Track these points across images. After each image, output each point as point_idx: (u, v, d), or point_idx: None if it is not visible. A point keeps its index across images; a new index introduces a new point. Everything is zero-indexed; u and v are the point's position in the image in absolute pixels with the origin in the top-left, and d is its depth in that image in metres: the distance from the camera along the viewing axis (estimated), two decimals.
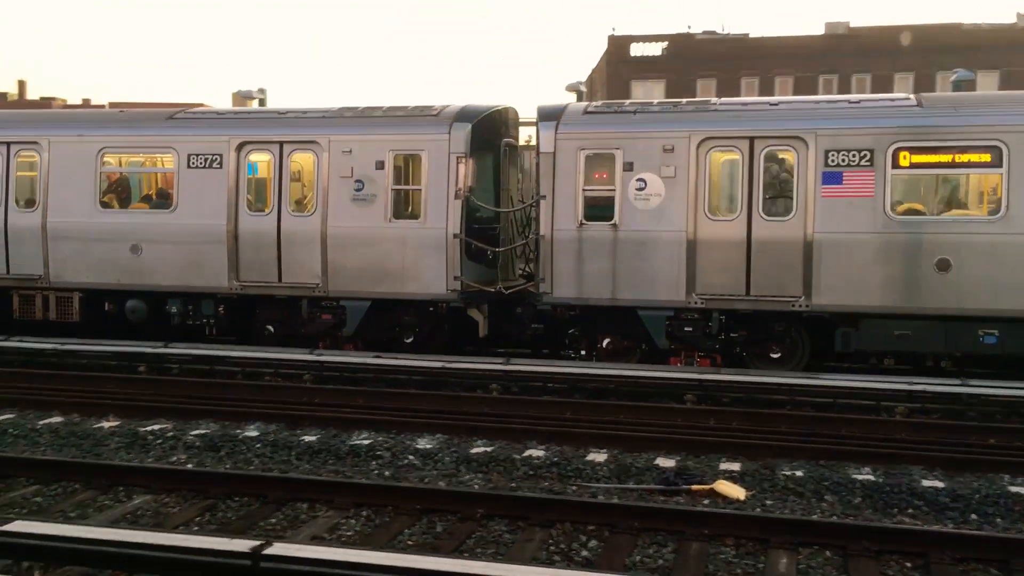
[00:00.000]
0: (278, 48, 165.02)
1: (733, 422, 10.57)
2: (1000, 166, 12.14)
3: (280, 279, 14.59)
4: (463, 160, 13.88)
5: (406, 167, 14.34)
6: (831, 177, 12.57)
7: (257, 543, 5.62)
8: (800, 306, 12.75)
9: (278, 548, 5.57)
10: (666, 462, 9.08)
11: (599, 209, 13.34)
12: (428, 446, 9.61)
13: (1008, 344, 12.32)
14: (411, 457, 9.26)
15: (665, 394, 11.91)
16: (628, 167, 13.24)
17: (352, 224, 14.21)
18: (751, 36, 45.33)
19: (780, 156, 12.92)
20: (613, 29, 67.45)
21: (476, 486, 8.34)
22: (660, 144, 13.17)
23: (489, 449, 9.49)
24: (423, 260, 13.95)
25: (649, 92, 42.50)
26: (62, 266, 15.43)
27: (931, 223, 12.44)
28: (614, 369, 12.52)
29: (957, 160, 12.37)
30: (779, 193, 12.89)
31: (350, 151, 14.28)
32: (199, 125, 15.26)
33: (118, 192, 15.66)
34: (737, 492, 8.08)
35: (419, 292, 14.02)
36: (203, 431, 10.22)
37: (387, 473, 8.78)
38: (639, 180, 13.20)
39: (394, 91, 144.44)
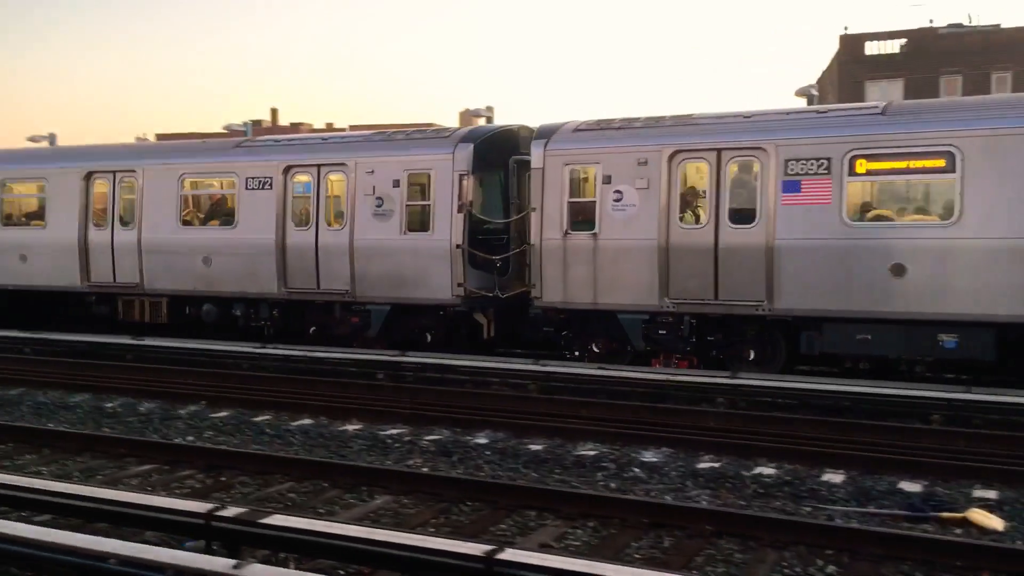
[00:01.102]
0: (505, 65, 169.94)
1: (987, 446, 9.74)
2: (953, 171, 12.11)
3: (319, 286, 16.22)
4: (465, 177, 15.12)
5: (419, 185, 15.61)
6: (790, 186, 12.92)
7: (490, 548, 5.73)
8: (763, 310, 13.11)
9: (510, 554, 5.64)
10: (911, 486, 8.49)
11: (582, 220, 14.21)
12: (654, 459, 9.49)
13: (967, 348, 12.16)
14: (636, 470, 9.17)
15: (907, 413, 11.14)
16: (607, 180, 14.03)
17: (374, 237, 15.73)
18: (1003, 27, 41.93)
19: (745, 166, 13.34)
20: (845, 28, 64.31)
21: (704, 502, 8.14)
22: (635, 158, 13.91)
23: (716, 465, 9.24)
24: (432, 268, 15.28)
25: (885, 93, 40.24)
26: (153, 276, 17.74)
27: (886, 228, 12.51)
28: (848, 385, 11.88)
29: (912, 166, 12.42)
30: (745, 202, 13.26)
31: (372, 171, 15.76)
32: (256, 152, 17.16)
33: (195, 211, 17.89)
34: (994, 522, 7.42)
35: (429, 297, 15.39)
36: (436, 436, 10.58)
37: (612, 485, 8.73)
38: (616, 192, 13.96)
39: (643, 97, 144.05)
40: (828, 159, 12.73)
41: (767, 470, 9.03)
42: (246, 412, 12.03)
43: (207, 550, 6.30)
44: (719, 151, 13.45)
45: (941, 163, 12.22)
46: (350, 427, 11.16)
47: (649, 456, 9.59)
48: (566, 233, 14.29)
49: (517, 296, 15.14)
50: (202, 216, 17.86)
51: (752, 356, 13.56)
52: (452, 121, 59.08)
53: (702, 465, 9.23)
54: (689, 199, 13.81)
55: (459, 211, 15.08)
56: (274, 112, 72.00)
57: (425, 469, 9.29)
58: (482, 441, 10.33)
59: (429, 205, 15.48)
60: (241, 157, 17.21)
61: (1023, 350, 12.20)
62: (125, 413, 12.21)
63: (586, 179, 14.31)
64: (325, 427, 11.22)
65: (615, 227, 13.96)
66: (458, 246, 15.08)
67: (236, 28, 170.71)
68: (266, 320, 17.07)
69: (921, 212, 12.90)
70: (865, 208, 12.90)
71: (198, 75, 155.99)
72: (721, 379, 12.41)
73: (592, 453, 9.72)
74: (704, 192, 13.57)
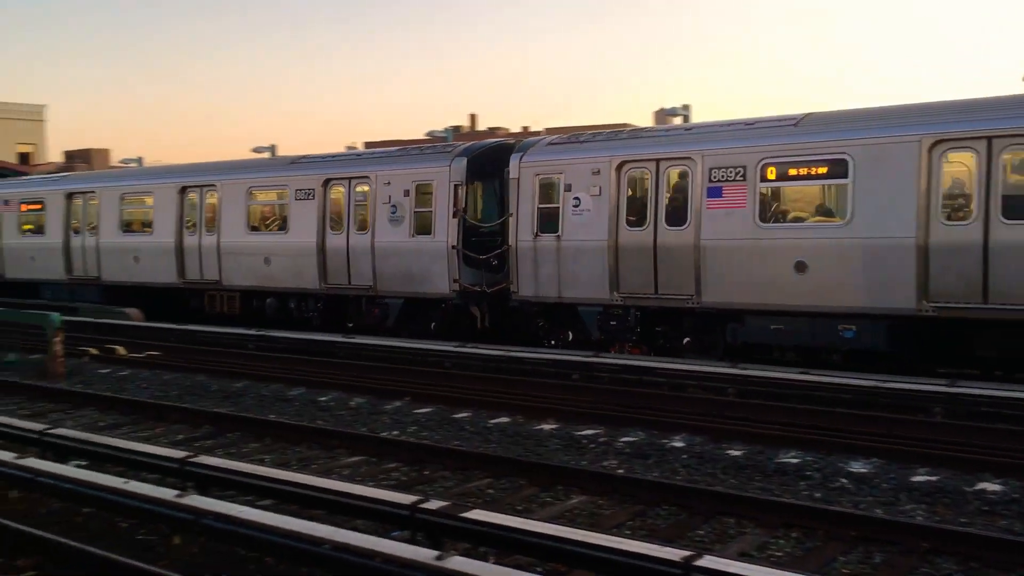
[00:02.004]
0: (702, 62, 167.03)
1: None
2: (847, 177, 13.48)
3: (350, 283, 19.02)
4: (460, 186, 17.52)
5: (425, 194, 18.05)
6: (714, 191, 14.57)
7: (688, 553, 5.62)
8: (693, 303, 14.85)
9: (709, 561, 5.51)
10: None
11: (548, 224, 16.28)
12: (862, 470, 9.01)
13: (864, 339, 13.48)
14: (843, 480, 8.74)
15: None
16: (567, 188, 16.08)
17: (389, 239, 18.38)
18: None
19: (679, 174, 15.11)
20: None
21: (919, 517, 7.65)
22: (590, 168, 15.86)
23: (933, 479, 8.66)
24: (433, 266, 17.79)
25: None
26: (229, 274, 21.10)
27: (790, 229, 14.07)
28: None
29: (813, 172, 13.91)
30: (679, 206, 14.99)
31: (388, 183, 18.43)
32: (304, 167, 20.14)
33: (260, 219, 21.04)
34: None
35: (431, 292, 17.92)
36: (632, 438, 10.50)
37: (817, 495, 8.36)
38: (575, 198, 15.98)
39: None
40: (744, 167, 14.45)
41: (992, 486, 8.38)
42: (447, 409, 12.39)
43: (411, 540, 6.53)
44: (657, 161, 15.38)
45: (833, 169, 13.72)
46: (546, 426, 11.26)
47: (857, 467, 9.12)
48: (536, 235, 16.42)
49: (501, 290, 17.20)
50: (265, 223, 20.95)
51: (687, 343, 15.38)
52: (646, 121, 58.51)
53: (917, 478, 8.68)
54: (635, 204, 15.57)
55: (454, 216, 17.53)
56: (473, 118, 73.80)
57: (621, 471, 9.24)
58: (679, 444, 10.17)
59: (431, 211, 17.88)
60: (292, 171, 20.30)
61: (914, 340, 13.45)
62: (337, 407, 12.87)
63: (552, 187, 16.35)
64: (522, 426, 11.38)
65: (574, 230, 15.98)
66: (453, 247, 17.52)
67: (441, 36, 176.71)
68: (313, 312, 19.95)
69: (821, 214, 14.26)
70: (774, 211, 14.39)
71: (406, 82, 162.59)
72: (937, 387, 11.64)
73: (795, 461, 9.35)
74: (647, 198, 15.41)
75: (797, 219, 14.27)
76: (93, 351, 17.75)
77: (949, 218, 12.91)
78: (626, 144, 15.90)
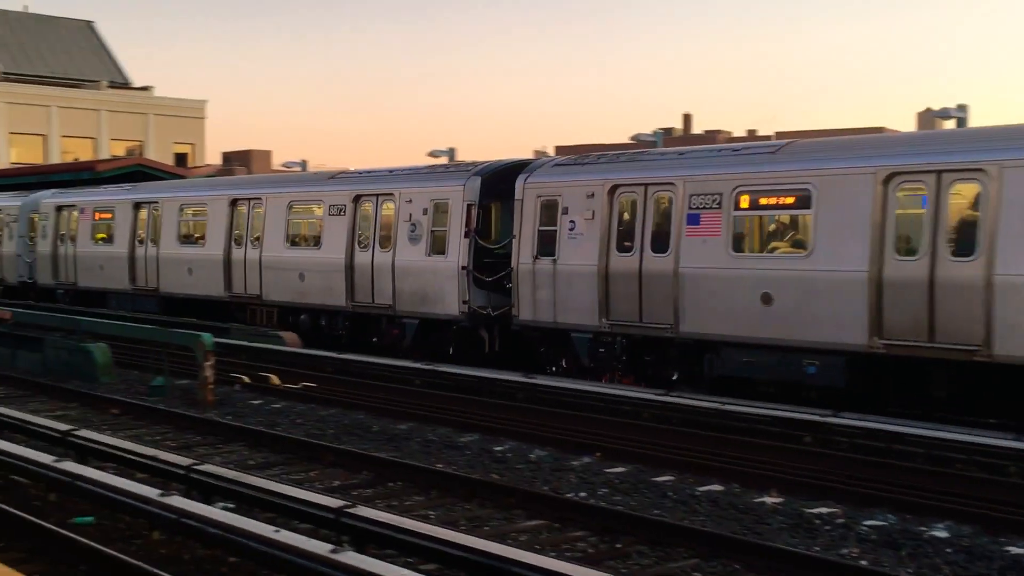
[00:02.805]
0: (978, 60, 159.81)
1: None
2: (809, 207, 15.18)
3: (373, 301, 21.39)
4: (473, 206, 19.65)
5: (442, 213, 20.24)
6: (693, 218, 16.34)
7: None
8: (671, 333, 16.56)
9: None
10: None
11: (547, 247, 18.29)
12: None
13: (824, 375, 14.98)
14: None
15: None
16: (565, 211, 18.07)
17: (408, 258, 20.69)
18: None
19: (663, 199, 16.95)
20: None
21: None
22: (584, 191, 17.80)
23: None
24: (445, 287, 19.94)
25: None
26: (269, 288, 23.78)
27: (757, 259, 15.84)
28: None
29: (780, 202, 15.73)
30: (663, 232, 16.81)
31: (410, 201, 20.70)
32: (338, 183, 22.83)
33: (298, 233, 23.82)
34: None
35: (442, 313, 20.03)
36: (878, 522, 10.02)
37: None
38: (571, 222, 17.88)
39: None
40: (720, 195, 16.16)
41: None
42: (645, 469, 12.25)
43: None
44: (645, 185, 17.18)
45: (799, 200, 15.51)
46: (768, 499, 10.91)
47: None
48: (535, 258, 18.45)
49: (506, 314, 19.27)
50: (303, 238, 23.77)
51: (676, 376, 16.90)
52: (909, 125, 56.38)
53: None
54: (624, 229, 17.39)
55: (465, 236, 19.67)
56: (687, 119, 73.47)
57: (864, 562, 8.80)
58: (941, 535, 9.60)
59: (446, 231, 20.13)
60: (328, 187, 22.98)
61: (872, 378, 14.95)
62: (515, 459, 12.95)
63: (553, 210, 18.30)
64: (737, 496, 11.08)
65: (569, 253, 17.98)
66: (464, 267, 19.67)
67: (651, 28, 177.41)
68: (341, 330, 22.35)
69: (786, 244, 16.00)
70: (744, 240, 16.19)
71: (610, 81, 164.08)
72: None
73: None
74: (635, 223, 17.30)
75: (762, 249, 16.16)
76: (245, 379, 18.68)
77: (900, 253, 14.44)
78: (620, 168, 17.98)
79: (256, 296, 24.29)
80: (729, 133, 67.56)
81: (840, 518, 10.18)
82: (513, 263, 18.82)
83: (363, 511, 8.84)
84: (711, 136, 64.32)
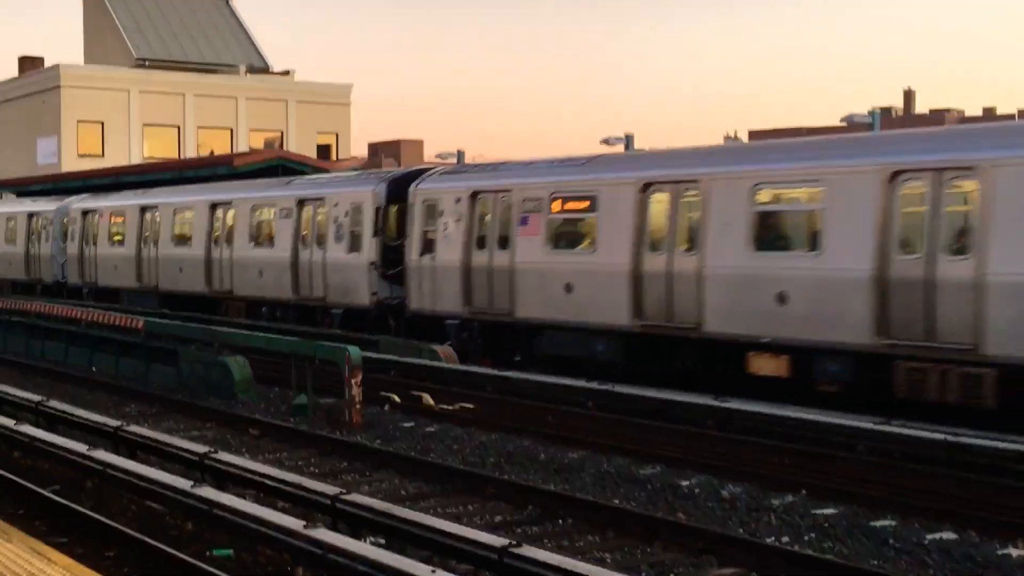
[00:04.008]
0: None
1: None
2: (595, 211, 20.98)
3: (311, 293, 27.95)
4: (380, 209, 25.96)
5: (360, 215, 26.35)
6: (523, 220, 22.04)
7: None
8: (509, 318, 22.33)
9: None
10: None
11: (429, 245, 24.00)
12: None
13: (609, 351, 20.64)
14: None
15: None
16: (440, 214, 23.79)
17: (335, 256, 26.93)
18: None
19: (504, 203, 22.68)
20: None
21: None
22: (454, 197, 23.57)
23: None
24: (360, 280, 26.20)
25: None
26: (238, 284, 30.46)
27: (564, 255, 21.44)
28: None
29: (580, 207, 21.53)
30: (505, 232, 22.50)
31: (336, 204, 27.04)
32: (287, 189, 29.76)
33: (259, 234, 30.21)
34: None
35: (358, 303, 26.40)
36: None
37: None
38: (444, 223, 23.63)
39: None
40: (540, 199, 21.74)
41: None
42: (861, 511, 11.96)
43: None
44: (497, 192, 22.87)
45: (591, 204, 20.99)
46: (1015, 551, 10.51)
47: None
48: (420, 255, 24.23)
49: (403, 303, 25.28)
50: (263, 238, 29.87)
51: (518, 358, 22.51)
52: None
53: None
54: (481, 230, 23.13)
55: (374, 235, 25.92)
56: (908, 96, 71.45)
57: None
58: None
59: (361, 231, 26.19)
60: (279, 191, 29.90)
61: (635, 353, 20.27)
62: (704, 496, 12.82)
63: (433, 213, 24.05)
64: (975, 546, 10.71)
65: (443, 251, 23.68)
66: (372, 263, 25.86)
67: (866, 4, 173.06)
68: (290, 320, 28.29)
69: (583, 244, 21.28)
70: (557, 239, 21.65)
71: (810, 62, 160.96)
72: None
73: None
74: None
75: (569, 246, 21.64)
76: (395, 398, 19.07)
77: (653, 248, 19.88)
78: (482, 176, 24.02)
79: (229, 291, 30.87)
80: (961, 112, 65.31)
81: None
82: (406, 259, 24.74)
83: (529, 551, 8.89)
84: (937, 116, 62.28)
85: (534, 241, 21.70)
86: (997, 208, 15.65)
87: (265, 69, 73.26)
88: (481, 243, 23.04)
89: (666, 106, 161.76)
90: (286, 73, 73.39)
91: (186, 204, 33.58)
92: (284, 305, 28.94)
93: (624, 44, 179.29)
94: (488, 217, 22.98)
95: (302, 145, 63.94)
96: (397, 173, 27.00)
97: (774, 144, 22.60)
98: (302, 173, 36.01)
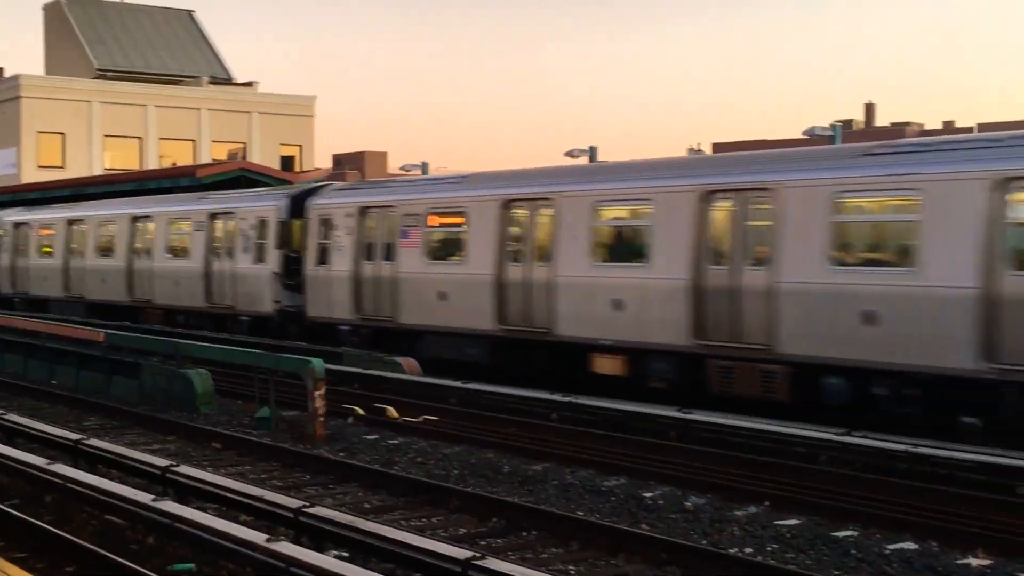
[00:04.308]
0: None
1: None
2: (467, 226, 23.12)
3: (223, 302, 30.07)
4: (283, 223, 28.00)
5: (264, 227, 28.64)
6: (404, 233, 24.30)
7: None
8: (393, 324, 24.53)
9: None
10: None
11: (324, 256, 26.08)
12: None
13: (479, 354, 22.74)
14: None
15: None
16: (334, 227, 25.98)
17: (242, 266, 29.08)
18: None
19: (389, 218, 24.94)
20: None
21: None
22: (345, 211, 25.76)
23: None
24: (264, 289, 28.35)
25: None
26: (157, 293, 32.66)
27: (438, 265, 23.69)
28: None
29: (451, 221, 23.83)
30: (390, 243, 24.73)
31: (244, 218, 29.19)
32: (199, 203, 31.93)
33: (175, 246, 32.51)
34: None
35: (263, 311, 28.45)
36: None
37: None
38: (336, 235, 25.75)
39: None
40: (419, 214, 24.04)
41: None
42: (823, 522, 12.03)
43: None
44: (382, 207, 25.13)
45: (462, 220, 23.21)
46: (973, 561, 10.59)
47: None
48: (316, 265, 26.32)
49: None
50: (179, 249, 32.15)
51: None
52: None
53: None
54: (369, 242, 25.34)
55: (277, 247, 27.97)
56: (869, 109, 72.13)
57: None
58: None
59: (266, 243, 28.32)
60: (192, 205, 32.13)
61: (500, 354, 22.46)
62: (668, 507, 12.86)
63: (328, 226, 26.14)
64: (936, 556, 10.79)
65: (336, 262, 25.81)
66: (275, 273, 27.95)
67: (828, 18, 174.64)
68: (203, 326, 29.90)
69: (455, 256, 23.51)
70: (435, 250, 23.98)
71: (772, 75, 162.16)
72: None
73: None
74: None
75: (444, 257, 23.73)
76: (359, 411, 19.02)
77: (512, 260, 22.16)
78: (369, 192, 26.63)
79: (148, 300, 32.85)
80: (921, 126, 65.96)
81: None
82: (304, 270, 26.78)
83: (493, 564, 8.89)
84: (898, 129, 62.84)
85: (414, 253, 23.86)
86: (786, 224, 17.64)
87: (228, 80, 73.11)
88: (369, 254, 25.12)
89: (631, 117, 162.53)
90: (249, 84, 73.24)
91: (109, 218, 35.52)
92: (198, 313, 30.88)
93: (591, 55, 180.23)
94: (375, 230, 25.12)
95: (265, 157, 63.78)
96: (299, 189, 29.09)
97: (612, 166, 24.52)
98: (266, 184, 36.10)
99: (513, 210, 22.09)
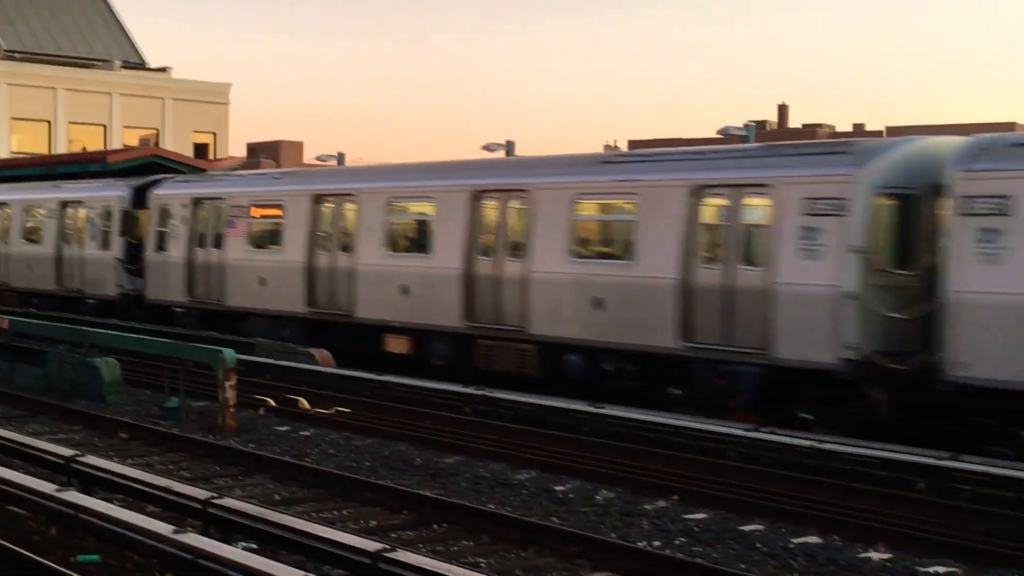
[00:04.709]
0: None
1: None
2: (284, 217, 25.64)
3: (73, 286, 32.04)
4: (127, 212, 29.78)
5: (109, 215, 30.64)
6: (231, 223, 26.46)
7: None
8: (219, 306, 26.58)
9: None
10: None
11: (161, 244, 28.30)
12: None
13: (292, 334, 24.80)
14: None
15: None
16: (172, 217, 28.09)
17: (91, 252, 31.04)
18: None
19: (218, 209, 27.12)
20: None
21: None
22: (181, 202, 28.00)
23: None
24: (108, 274, 30.32)
25: None
26: (12, 277, 34.62)
27: (257, 253, 25.98)
28: None
29: (270, 213, 26.21)
30: (219, 232, 26.93)
31: (93, 207, 31.23)
32: (60, 191, 33.53)
33: (30, 232, 34.74)
34: None
35: (108, 295, 30.37)
36: None
37: None
38: (173, 224, 27.91)
39: None
40: (244, 206, 26.24)
41: None
42: (731, 517, 12.20)
43: None
44: (214, 199, 27.37)
45: (280, 212, 25.84)
46: (874, 555, 10.83)
47: None
48: (155, 252, 28.37)
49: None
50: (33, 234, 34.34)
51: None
52: None
53: None
54: (200, 230, 27.39)
55: (120, 235, 29.76)
56: (782, 110, 73.10)
57: None
58: None
59: (110, 230, 30.28)
60: (48, 193, 33.89)
61: (311, 332, 24.56)
62: (578, 501, 12.96)
63: (166, 216, 28.25)
64: (838, 550, 11.01)
65: (172, 249, 27.91)
66: (118, 259, 29.83)
67: (745, 20, 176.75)
68: (48, 307, 31.49)
69: (274, 245, 25.86)
70: (256, 240, 26.19)
71: (691, 74, 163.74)
72: None
73: None
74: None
75: (264, 246, 25.98)
76: (270, 402, 18.87)
77: (322, 248, 24.53)
78: (203, 184, 29.05)
79: (5, 283, 34.48)
80: (832, 128, 67.02)
81: None
82: (144, 256, 28.62)
83: (404, 556, 8.89)
84: (810, 131, 63.82)
85: (239, 242, 26.16)
86: (537, 221, 20.21)
87: (141, 65, 71.85)
88: (201, 242, 27.21)
89: (552, 113, 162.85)
90: (163, 70, 72.06)
91: (36, 202, 35.77)
92: (50, 296, 32.53)
93: (510, 49, 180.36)
94: (206, 220, 27.27)
95: (178, 143, 62.80)
96: (143, 180, 30.80)
97: (405, 167, 27.09)
98: (178, 172, 35.53)
99: (323, 204, 24.37)
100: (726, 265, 17.64)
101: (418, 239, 23.03)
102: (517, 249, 20.74)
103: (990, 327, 14.81)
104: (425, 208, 22.82)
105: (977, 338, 14.92)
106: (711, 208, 18.17)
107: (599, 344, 19.17)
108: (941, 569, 10.35)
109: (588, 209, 20.33)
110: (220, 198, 27.03)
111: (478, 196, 21.48)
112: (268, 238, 26.13)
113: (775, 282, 16.89)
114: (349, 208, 23.92)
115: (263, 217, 26.42)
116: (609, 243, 20.39)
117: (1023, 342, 14.60)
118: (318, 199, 24.43)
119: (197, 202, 27.45)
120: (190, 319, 27.38)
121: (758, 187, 17.59)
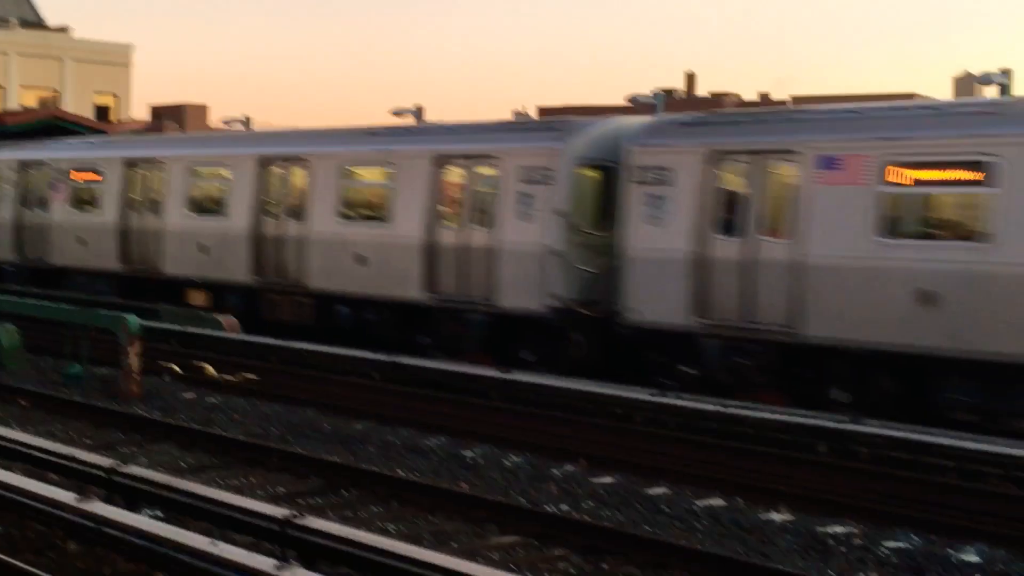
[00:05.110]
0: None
1: None
2: (102, 182, 28.11)
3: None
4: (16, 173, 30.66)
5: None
6: (54, 186, 28.64)
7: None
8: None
9: None
10: None
11: (89, 204, 28.53)
12: None
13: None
14: None
15: None
16: (3, 179, 30.22)
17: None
18: None
19: (44, 173, 29.40)
20: None
21: None
22: (8, 165, 30.14)
23: None
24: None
25: None
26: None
27: (76, 215, 28.18)
28: None
29: (89, 178, 28.35)
30: (45, 195, 29.18)
31: (61, 170, 29.69)
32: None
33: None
34: None
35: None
36: (901, 544, 10.18)
37: None
38: (3, 187, 29.82)
39: None
40: (64, 171, 28.73)
41: None
42: (637, 480, 12.37)
43: None
44: (40, 163, 29.68)
45: (99, 177, 27.92)
46: (776, 516, 11.06)
47: None
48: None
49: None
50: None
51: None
52: (946, 90, 56.72)
53: None
54: (29, 194, 29.53)
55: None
56: (690, 79, 73.55)
57: None
58: (971, 559, 9.78)
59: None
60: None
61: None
62: (487, 466, 13.04)
63: (79, 180, 28.86)
64: (741, 512, 11.23)
65: (1, 211, 30.01)
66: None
67: None
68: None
69: (92, 207, 28.15)
70: (78, 202, 28.38)
71: (603, 39, 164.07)
72: None
73: None
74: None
75: (84, 207, 27.91)
76: (176, 368, 18.67)
77: (134, 209, 26.83)
78: (29, 150, 30.57)
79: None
80: (738, 96, 67.62)
81: (858, 539, 10.32)
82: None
83: (312, 522, 8.89)
84: (717, 100, 64.31)
85: (61, 203, 28.34)
86: (314, 187, 22.88)
87: (39, 24, 70.05)
88: (28, 204, 29.42)
89: (461, 78, 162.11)
90: (63, 30, 70.35)
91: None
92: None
93: (425, 16, 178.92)
94: (34, 183, 29.44)
95: (79, 106, 61.34)
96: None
97: (206, 136, 30.61)
98: (78, 133, 34.90)
99: (136, 168, 26.93)
100: (461, 227, 20.29)
101: (215, 203, 25.30)
102: (298, 212, 23.16)
103: (653, 278, 17.59)
104: (223, 173, 25.33)
105: (644, 288, 17.73)
106: (451, 176, 20.77)
107: (363, 296, 21.79)
108: (840, 529, 10.60)
109: (355, 176, 22.96)
110: (44, 163, 29.26)
111: (265, 163, 23.99)
112: (87, 200, 28.11)
113: (499, 241, 19.59)
114: (156, 175, 26.37)
115: (84, 181, 28.32)
116: (371, 207, 22.54)
117: (676, 290, 17.32)
118: (131, 164, 27.01)
119: (24, 165, 29.76)
120: (21, 277, 29.39)
121: (487, 158, 20.17)
